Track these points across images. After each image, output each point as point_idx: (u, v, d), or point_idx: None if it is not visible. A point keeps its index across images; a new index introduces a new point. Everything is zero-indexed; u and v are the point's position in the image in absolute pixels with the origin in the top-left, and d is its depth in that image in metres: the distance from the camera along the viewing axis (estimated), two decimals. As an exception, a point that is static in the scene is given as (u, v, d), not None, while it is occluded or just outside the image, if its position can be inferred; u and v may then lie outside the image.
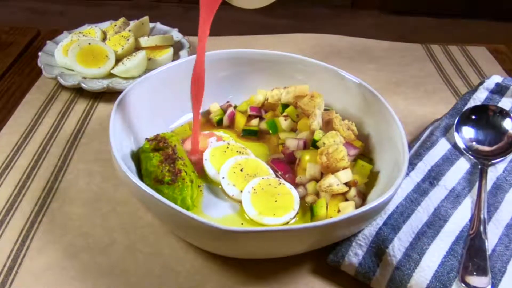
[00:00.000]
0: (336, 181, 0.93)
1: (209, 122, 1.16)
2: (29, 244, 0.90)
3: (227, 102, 1.18)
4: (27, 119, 1.22)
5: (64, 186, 1.03)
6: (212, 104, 1.17)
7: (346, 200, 0.94)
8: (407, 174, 0.98)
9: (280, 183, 0.96)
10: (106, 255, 0.89)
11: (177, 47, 1.46)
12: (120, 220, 0.96)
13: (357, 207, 0.92)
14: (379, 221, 0.89)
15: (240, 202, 0.95)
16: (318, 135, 1.01)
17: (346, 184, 0.94)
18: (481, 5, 3.68)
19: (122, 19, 1.51)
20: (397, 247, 0.85)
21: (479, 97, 1.17)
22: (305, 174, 0.98)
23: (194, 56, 1.14)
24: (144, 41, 1.41)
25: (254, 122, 1.13)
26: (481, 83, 1.20)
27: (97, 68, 1.31)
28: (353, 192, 0.94)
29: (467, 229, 0.89)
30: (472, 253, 0.84)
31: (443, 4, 3.70)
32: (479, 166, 1.01)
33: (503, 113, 1.09)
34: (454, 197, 0.95)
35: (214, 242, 0.81)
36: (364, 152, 1.05)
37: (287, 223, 0.92)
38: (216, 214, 0.94)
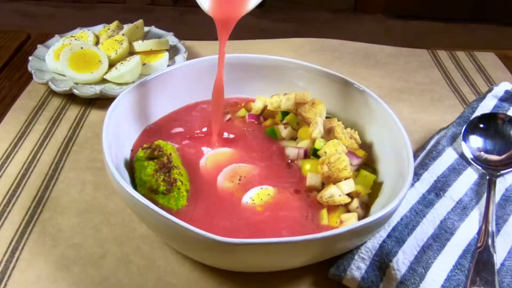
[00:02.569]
0: (338, 192, 0.93)
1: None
2: (18, 256, 0.91)
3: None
4: (17, 126, 1.22)
5: (55, 196, 1.03)
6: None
7: (349, 211, 0.94)
8: (412, 184, 0.98)
9: (279, 193, 0.96)
10: (99, 267, 0.89)
11: (173, 52, 1.47)
12: (113, 231, 0.96)
13: (359, 218, 0.92)
14: (382, 233, 0.89)
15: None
16: (319, 143, 1.01)
17: (349, 195, 0.94)
18: (490, 9, 3.69)
19: (115, 23, 1.51)
20: (402, 261, 0.85)
21: (488, 105, 1.17)
22: (306, 184, 0.99)
23: (190, 61, 1.16)
24: (139, 45, 1.42)
25: (253, 129, 1.14)
26: (490, 90, 1.21)
27: (90, 73, 1.32)
28: (355, 203, 0.94)
29: (474, 242, 0.89)
30: (479, 267, 0.84)
31: (450, 8, 3.71)
32: (487, 177, 1.02)
33: (513, 122, 1.09)
34: (461, 209, 0.95)
35: (211, 254, 0.81)
36: (367, 161, 1.05)
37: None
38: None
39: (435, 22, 3.64)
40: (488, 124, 1.10)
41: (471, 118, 1.13)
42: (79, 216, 0.99)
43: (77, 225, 0.97)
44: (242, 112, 1.17)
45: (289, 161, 1.04)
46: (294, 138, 1.09)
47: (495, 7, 3.67)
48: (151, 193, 0.91)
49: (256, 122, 1.14)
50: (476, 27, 3.57)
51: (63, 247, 0.93)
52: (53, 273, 0.88)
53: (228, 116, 1.15)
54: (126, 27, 1.48)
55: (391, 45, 1.69)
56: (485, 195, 0.98)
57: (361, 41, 1.70)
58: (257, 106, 1.15)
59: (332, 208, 0.93)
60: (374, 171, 1.02)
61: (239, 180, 0.98)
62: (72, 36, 1.44)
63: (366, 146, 1.08)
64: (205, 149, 1.06)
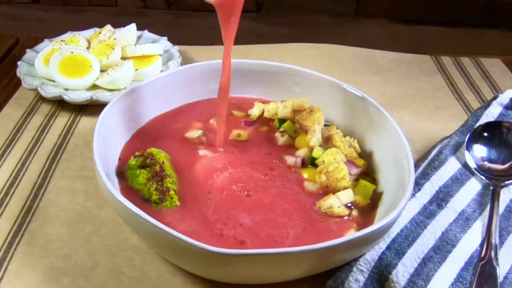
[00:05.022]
0: (337, 203, 0.94)
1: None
2: (6, 266, 0.91)
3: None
4: (5, 133, 1.23)
5: (44, 205, 1.04)
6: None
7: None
8: (413, 195, 0.98)
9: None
10: (89, 278, 0.90)
11: (166, 57, 1.48)
12: (104, 241, 0.97)
13: (358, 229, 0.93)
14: (382, 245, 0.89)
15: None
16: (317, 152, 1.02)
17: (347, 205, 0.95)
18: (497, 14, 3.69)
19: (107, 27, 1.52)
20: (401, 273, 0.85)
21: (492, 113, 1.17)
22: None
23: (184, 67, 1.16)
24: (131, 50, 1.42)
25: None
26: (495, 97, 1.20)
27: (80, 79, 1.32)
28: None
29: (477, 254, 0.90)
30: (482, 280, 0.84)
31: (456, 12, 3.71)
32: (491, 187, 1.02)
33: (518, 131, 1.09)
34: (464, 220, 0.96)
35: (205, 266, 0.82)
36: (366, 171, 1.06)
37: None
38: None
39: (440, 27, 3.64)
40: (492, 133, 1.11)
41: (475, 127, 1.13)
42: (69, 226, 0.99)
43: (67, 235, 0.97)
44: (239, 115, 1.18)
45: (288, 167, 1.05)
46: (291, 146, 1.09)
47: (503, 12, 3.68)
48: (143, 202, 0.92)
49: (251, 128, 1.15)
50: (483, 32, 3.57)
51: (53, 258, 0.93)
52: (42, 284, 0.88)
53: None
54: (118, 31, 1.49)
55: (394, 51, 1.69)
56: (488, 206, 0.98)
57: (363, 46, 1.71)
58: (254, 113, 1.16)
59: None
60: (374, 181, 1.03)
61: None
62: (62, 41, 1.45)
63: (366, 155, 1.08)
64: (201, 152, 1.07)
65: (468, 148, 1.09)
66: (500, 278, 0.86)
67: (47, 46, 1.42)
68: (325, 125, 1.10)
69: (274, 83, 1.21)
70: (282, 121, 1.12)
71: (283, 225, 0.92)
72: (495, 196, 1.00)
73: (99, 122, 0.97)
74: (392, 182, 0.98)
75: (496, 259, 0.88)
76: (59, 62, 1.32)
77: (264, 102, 1.19)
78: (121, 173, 1.00)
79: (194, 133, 1.12)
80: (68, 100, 1.28)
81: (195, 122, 1.15)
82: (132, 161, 0.98)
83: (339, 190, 0.96)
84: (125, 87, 1.33)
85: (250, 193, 0.98)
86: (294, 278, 0.86)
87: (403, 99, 1.44)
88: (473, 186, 1.03)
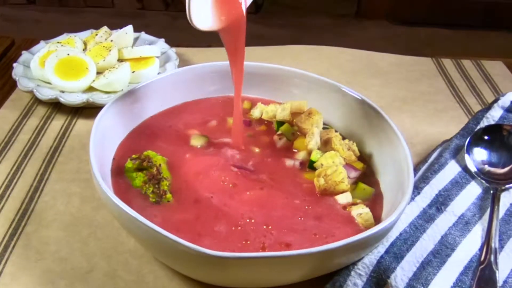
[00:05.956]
0: (365, 209, 0.93)
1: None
2: (2, 270, 0.91)
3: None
4: (0, 135, 1.23)
5: (40, 208, 1.04)
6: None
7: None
8: (412, 198, 0.99)
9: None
10: (85, 282, 0.90)
11: (164, 59, 1.48)
12: (101, 244, 0.97)
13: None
14: (380, 249, 0.90)
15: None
16: (315, 155, 1.02)
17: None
18: (499, 15, 3.69)
19: (103, 28, 1.52)
20: (400, 277, 0.85)
21: (493, 116, 1.18)
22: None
23: (182, 69, 1.17)
24: (128, 52, 1.43)
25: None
26: (496, 100, 1.21)
27: (77, 81, 1.32)
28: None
29: (476, 258, 0.90)
30: (481, 284, 0.85)
31: (458, 14, 3.71)
32: (491, 191, 1.02)
33: (519, 134, 1.10)
34: (463, 224, 0.96)
35: (203, 269, 0.82)
36: (365, 174, 1.06)
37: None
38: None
39: (441, 28, 3.64)
40: (493, 136, 1.11)
41: (476, 130, 1.14)
42: (65, 229, 1.00)
43: (63, 239, 0.98)
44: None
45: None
46: (290, 149, 1.09)
47: (505, 14, 3.68)
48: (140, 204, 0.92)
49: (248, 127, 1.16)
50: (485, 34, 3.57)
51: (49, 261, 0.93)
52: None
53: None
54: (115, 32, 1.49)
55: (395, 53, 1.70)
56: (488, 210, 0.99)
57: (363, 48, 1.71)
58: (255, 113, 1.17)
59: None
60: (373, 184, 1.03)
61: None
62: (58, 42, 1.45)
63: (365, 158, 1.09)
64: (198, 154, 1.07)
65: (468, 151, 1.09)
66: (500, 283, 0.86)
67: (43, 48, 1.42)
68: (324, 128, 1.10)
69: (273, 85, 1.21)
70: (280, 123, 1.12)
71: (287, 225, 0.91)
72: (495, 200, 1.00)
73: (96, 124, 0.98)
74: (391, 185, 0.99)
75: (496, 263, 0.88)
76: (55, 64, 1.32)
77: (265, 102, 1.20)
78: (117, 174, 1.00)
79: (198, 141, 1.11)
80: (64, 102, 1.28)
81: (193, 123, 1.15)
82: (129, 164, 0.98)
83: (337, 193, 0.96)
84: (122, 90, 1.32)
85: (249, 194, 0.98)
86: (292, 282, 0.86)
87: (403, 102, 1.45)
88: (473, 190, 1.04)
